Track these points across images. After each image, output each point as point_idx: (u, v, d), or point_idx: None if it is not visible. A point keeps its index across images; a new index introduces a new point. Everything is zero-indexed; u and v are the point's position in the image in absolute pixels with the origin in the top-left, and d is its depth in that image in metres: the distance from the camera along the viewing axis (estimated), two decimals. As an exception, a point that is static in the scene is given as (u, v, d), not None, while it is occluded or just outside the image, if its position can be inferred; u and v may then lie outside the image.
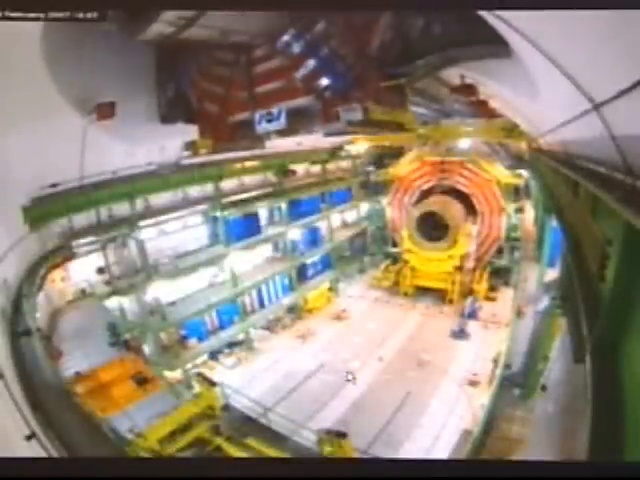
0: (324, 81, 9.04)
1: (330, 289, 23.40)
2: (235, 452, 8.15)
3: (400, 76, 9.04)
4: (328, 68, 8.82)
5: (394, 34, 8.22)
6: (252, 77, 9.80)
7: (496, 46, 7.50)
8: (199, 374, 11.76)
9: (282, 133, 10.60)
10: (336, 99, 9.24)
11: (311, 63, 8.93)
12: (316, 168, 24.17)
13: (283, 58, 9.12)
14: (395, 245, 25.45)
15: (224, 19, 7.66)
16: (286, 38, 8.76)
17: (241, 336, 19.03)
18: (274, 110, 9.84)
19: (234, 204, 18.70)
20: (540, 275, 18.12)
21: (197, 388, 10.71)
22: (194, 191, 17.94)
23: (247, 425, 9.84)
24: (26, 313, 9.80)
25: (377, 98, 9.58)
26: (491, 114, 16.66)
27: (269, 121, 10.00)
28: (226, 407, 10.26)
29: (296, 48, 8.83)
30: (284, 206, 20.95)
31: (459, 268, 20.86)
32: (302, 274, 22.25)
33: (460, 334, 18.47)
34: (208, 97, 10.94)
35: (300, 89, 9.34)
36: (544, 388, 11.31)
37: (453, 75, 10.08)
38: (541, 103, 6.38)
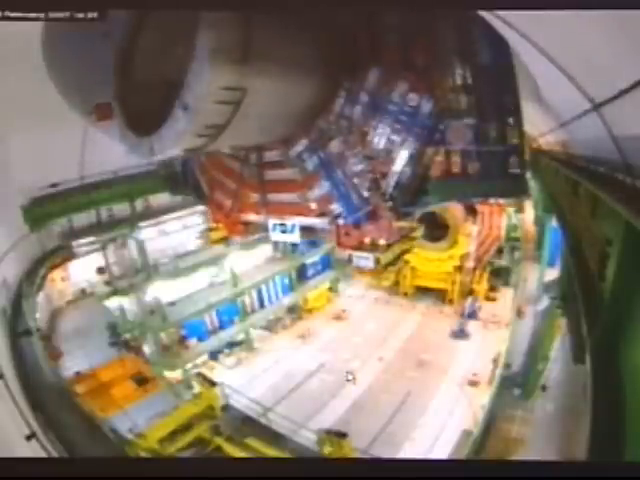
0: (337, 208, 8.93)
1: (330, 289, 23.40)
2: (235, 452, 8.16)
3: (413, 213, 8.94)
4: (342, 196, 8.66)
5: (412, 170, 7.94)
6: (264, 181, 9.68)
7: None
8: (199, 374, 11.77)
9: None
10: (349, 227, 9.19)
11: (325, 185, 8.78)
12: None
13: (296, 172, 8.99)
14: (395, 245, 25.39)
15: (233, 137, 7.50)
16: (299, 149, 8.65)
17: (241, 336, 19.03)
18: (288, 223, 9.92)
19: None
20: (540, 275, 18.10)
21: (197, 388, 10.72)
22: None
23: (247, 425, 9.81)
24: (26, 313, 9.81)
25: (389, 236, 9.54)
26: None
27: (283, 232, 10.15)
28: (226, 407, 10.25)
29: (310, 165, 8.70)
30: (284, 206, 20.94)
31: (459, 268, 20.85)
32: (302, 274, 22.25)
33: (460, 334, 18.46)
34: (219, 187, 10.86)
35: (314, 210, 9.26)
36: (544, 388, 11.31)
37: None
38: (541, 103, 6.38)
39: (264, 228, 10.64)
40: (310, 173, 8.87)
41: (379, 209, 8.48)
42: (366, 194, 8.47)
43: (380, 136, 8.00)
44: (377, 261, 11.87)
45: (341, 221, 9.09)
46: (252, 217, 10.77)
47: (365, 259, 13.28)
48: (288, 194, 9.56)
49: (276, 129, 8.22)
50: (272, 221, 10.19)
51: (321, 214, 9.27)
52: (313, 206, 9.25)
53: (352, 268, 23.45)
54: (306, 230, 10.14)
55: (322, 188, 8.90)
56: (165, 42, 7.26)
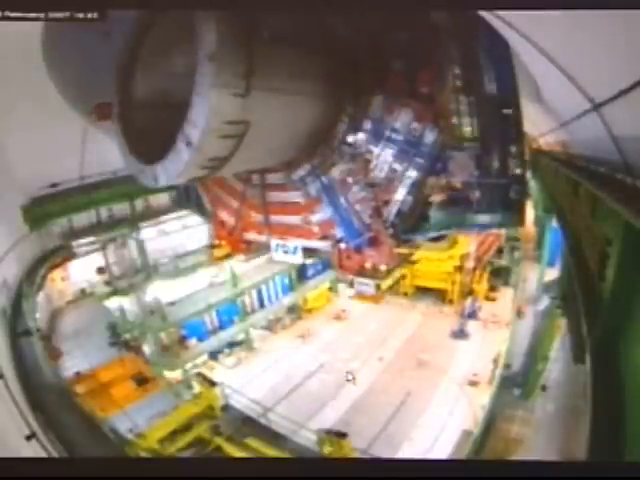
0: (339, 232, 8.97)
1: (330, 289, 23.39)
2: (235, 452, 8.15)
3: (413, 239, 9.08)
4: (344, 221, 8.71)
5: (413, 199, 7.99)
6: (267, 203, 9.69)
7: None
8: (199, 374, 11.77)
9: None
10: (350, 251, 9.26)
11: (327, 210, 8.80)
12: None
13: (299, 195, 8.99)
14: (395, 245, 25.37)
15: (236, 166, 7.49)
16: (302, 173, 8.62)
17: (241, 336, 19.03)
18: (290, 244, 9.94)
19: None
20: (540, 275, 18.11)
21: (197, 388, 10.72)
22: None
23: (247, 425, 9.81)
24: (26, 313, 9.82)
25: (390, 262, 9.74)
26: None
27: (285, 252, 10.18)
28: (226, 407, 10.25)
29: (312, 189, 8.70)
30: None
31: (459, 268, 20.85)
32: (302, 274, 22.22)
33: (460, 334, 18.45)
34: (222, 205, 10.88)
35: (316, 233, 9.30)
36: (544, 388, 11.32)
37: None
38: (541, 103, 6.38)
39: (267, 247, 10.67)
40: (312, 197, 8.87)
41: (380, 235, 8.51)
42: (368, 220, 8.49)
43: (382, 164, 8.01)
44: (377, 287, 12.07)
45: (343, 245, 9.13)
46: (255, 236, 10.80)
47: (366, 285, 13.70)
48: (290, 216, 9.58)
49: (279, 155, 8.22)
50: (274, 242, 10.22)
51: (323, 237, 9.30)
52: (315, 229, 9.27)
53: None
54: (308, 251, 10.18)
55: (324, 212, 8.91)
56: (166, 60, 7.22)
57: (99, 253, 15.74)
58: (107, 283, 16.07)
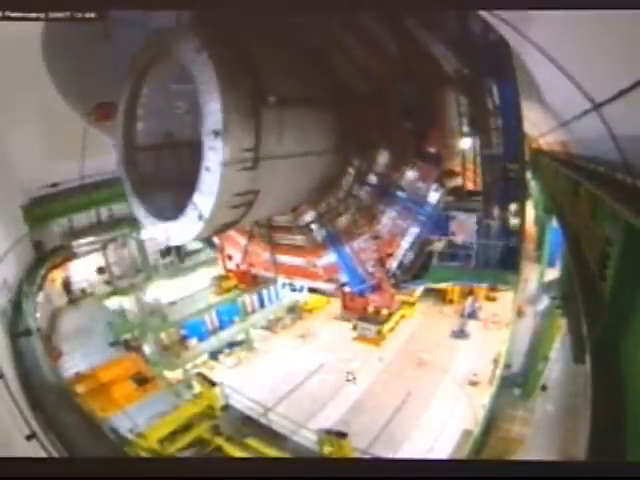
0: (344, 277, 9.19)
1: (330, 289, 23.38)
2: (235, 452, 8.15)
3: (413, 285, 9.31)
4: (348, 268, 8.94)
5: (415, 254, 8.25)
6: (273, 243, 9.86)
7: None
8: (199, 374, 11.76)
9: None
10: (354, 295, 9.55)
11: (332, 256, 8.99)
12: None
13: (304, 239, 9.15)
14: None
15: (246, 222, 7.66)
16: (308, 219, 8.75)
17: (241, 336, 19.02)
18: (297, 284, 10.13)
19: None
20: (540, 275, 18.08)
21: (197, 388, 10.71)
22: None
23: (247, 425, 9.80)
24: (26, 313, 9.81)
25: (391, 306, 10.34)
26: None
27: (292, 290, 10.39)
28: (226, 407, 10.25)
29: (318, 235, 8.86)
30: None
31: (459, 268, 20.82)
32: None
33: (460, 334, 18.46)
34: (229, 240, 11.02)
35: (321, 276, 9.50)
36: (544, 388, 11.30)
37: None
38: (541, 103, 6.39)
39: (274, 281, 10.87)
40: (318, 243, 9.01)
41: (382, 283, 8.76)
42: (371, 269, 8.73)
43: (386, 219, 8.20)
44: (379, 332, 11.95)
45: (347, 289, 9.33)
46: (262, 272, 10.95)
47: (368, 330, 13.87)
48: (296, 258, 9.73)
49: (286, 206, 8.37)
50: (281, 280, 10.40)
51: (328, 280, 9.51)
52: (320, 272, 9.45)
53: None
54: (313, 291, 10.44)
55: (329, 257, 9.07)
56: (168, 101, 7.21)
57: (99, 253, 15.72)
58: (107, 283, 16.06)
